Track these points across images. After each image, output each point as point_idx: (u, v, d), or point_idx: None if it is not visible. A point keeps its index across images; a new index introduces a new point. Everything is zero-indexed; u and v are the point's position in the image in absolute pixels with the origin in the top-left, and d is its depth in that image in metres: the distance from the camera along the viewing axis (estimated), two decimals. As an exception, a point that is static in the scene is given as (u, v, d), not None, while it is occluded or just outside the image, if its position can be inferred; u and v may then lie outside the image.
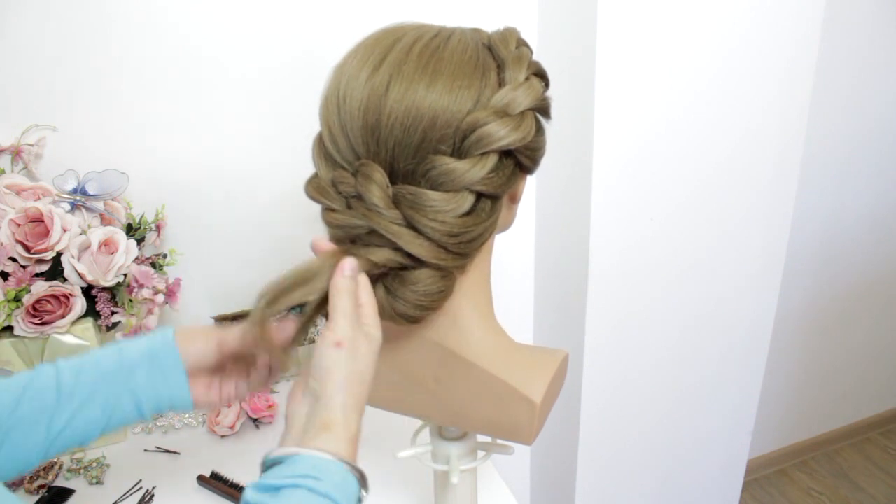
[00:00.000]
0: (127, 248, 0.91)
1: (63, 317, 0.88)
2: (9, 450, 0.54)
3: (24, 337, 0.88)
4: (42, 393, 0.55)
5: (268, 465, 0.50)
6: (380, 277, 0.59)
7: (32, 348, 0.89)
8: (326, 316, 0.55)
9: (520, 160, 0.58)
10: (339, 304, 0.53)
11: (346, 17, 1.03)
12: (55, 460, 0.94)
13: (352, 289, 0.54)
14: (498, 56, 0.58)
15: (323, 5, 1.02)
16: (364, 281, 0.55)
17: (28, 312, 0.87)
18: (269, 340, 0.55)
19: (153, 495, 0.90)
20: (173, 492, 0.91)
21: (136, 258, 0.93)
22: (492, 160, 0.55)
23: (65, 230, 0.88)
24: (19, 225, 0.87)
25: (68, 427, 0.56)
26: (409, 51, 0.55)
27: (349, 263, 0.54)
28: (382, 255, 0.57)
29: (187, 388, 0.59)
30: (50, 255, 0.87)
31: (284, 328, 0.57)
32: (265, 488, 0.46)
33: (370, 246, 0.58)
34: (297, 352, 0.58)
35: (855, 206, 1.80)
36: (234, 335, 0.60)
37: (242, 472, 0.92)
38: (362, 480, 0.50)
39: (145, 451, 0.98)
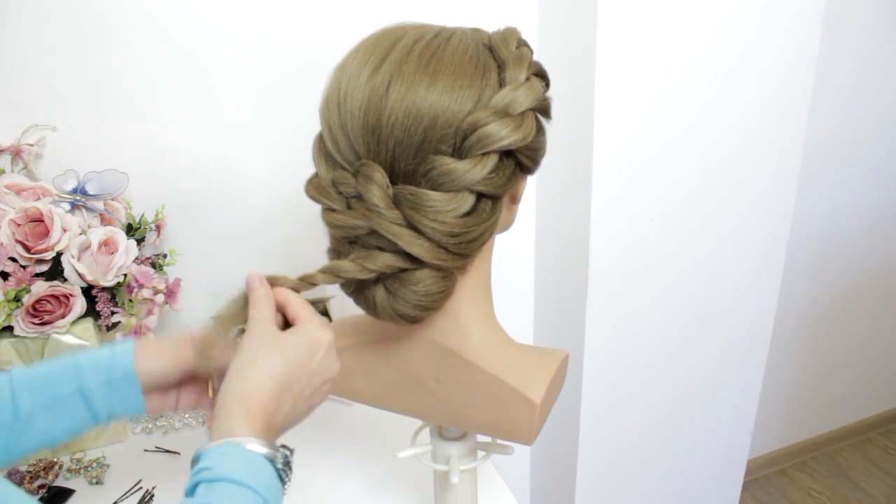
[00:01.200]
0: (127, 248, 0.91)
1: (63, 317, 0.88)
2: None
3: (24, 337, 0.88)
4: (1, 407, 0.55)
5: (194, 462, 0.49)
6: (380, 278, 0.59)
7: (32, 348, 0.89)
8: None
9: (520, 160, 0.58)
10: (252, 313, 0.55)
11: (346, 17, 1.03)
12: (55, 460, 0.94)
13: (263, 295, 0.56)
14: (498, 56, 0.57)
15: (323, 6, 1.02)
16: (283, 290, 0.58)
17: (28, 312, 0.87)
18: (213, 361, 0.57)
19: (153, 495, 0.90)
20: (173, 492, 0.91)
21: (136, 258, 0.93)
22: (492, 160, 0.55)
23: (65, 230, 0.88)
24: (19, 225, 0.87)
25: (26, 437, 0.56)
26: (409, 51, 0.55)
27: (253, 276, 0.57)
28: (381, 262, 0.57)
29: (143, 403, 0.59)
30: (50, 255, 0.87)
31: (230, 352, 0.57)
32: (186, 493, 0.47)
33: (370, 248, 0.58)
34: None
35: (855, 207, 1.80)
36: (190, 357, 0.59)
37: (242, 472, 0.92)
38: (276, 451, 0.50)
39: (145, 451, 0.98)
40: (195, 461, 0.48)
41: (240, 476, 0.46)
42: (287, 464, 0.51)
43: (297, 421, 0.55)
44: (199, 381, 0.62)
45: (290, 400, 0.53)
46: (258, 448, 0.48)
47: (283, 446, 0.51)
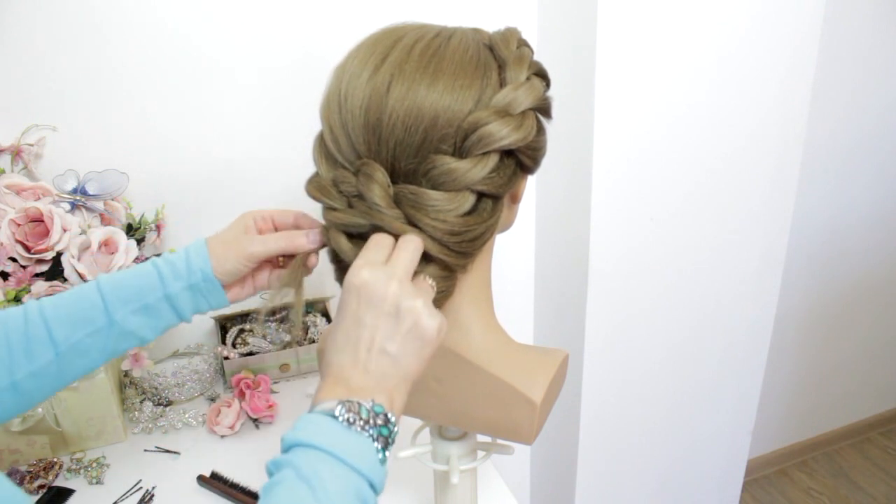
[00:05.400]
0: (127, 248, 0.91)
1: (63, 317, 0.88)
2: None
3: (24, 337, 0.88)
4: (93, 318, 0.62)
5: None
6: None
7: (32, 348, 0.89)
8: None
9: (521, 160, 0.58)
10: (366, 251, 0.54)
11: (347, 17, 1.03)
12: (55, 460, 0.94)
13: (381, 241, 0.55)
14: (499, 56, 0.58)
15: (323, 6, 1.02)
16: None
17: (28, 312, 0.87)
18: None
19: (153, 495, 0.90)
20: (173, 492, 0.91)
21: (136, 258, 0.93)
22: (493, 160, 0.55)
23: (65, 230, 0.88)
24: (19, 225, 0.87)
25: (121, 339, 0.63)
26: (410, 50, 0.55)
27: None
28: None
29: (225, 298, 0.66)
30: (50, 255, 0.87)
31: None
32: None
33: None
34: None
35: (855, 207, 1.80)
36: (264, 248, 0.64)
37: (242, 472, 0.92)
38: (360, 413, 0.48)
39: (145, 451, 0.98)
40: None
41: (295, 438, 0.47)
42: (357, 412, 0.47)
43: (401, 371, 0.51)
44: (271, 262, 0.68)
45: (373, 355, 0.50)
46: (324, 406, 0.48)
47: (360, 401, 0.48)
